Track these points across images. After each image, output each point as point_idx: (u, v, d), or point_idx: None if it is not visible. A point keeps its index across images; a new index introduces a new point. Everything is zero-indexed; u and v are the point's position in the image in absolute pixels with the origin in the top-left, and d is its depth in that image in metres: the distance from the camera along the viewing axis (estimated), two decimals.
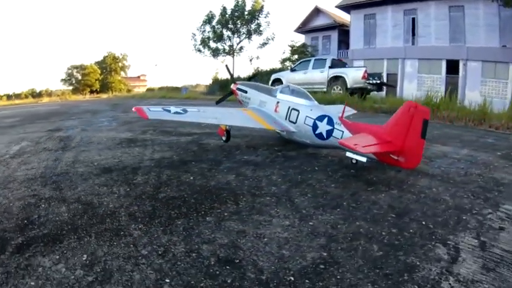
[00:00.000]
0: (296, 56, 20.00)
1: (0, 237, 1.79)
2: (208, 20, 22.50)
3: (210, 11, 22.55)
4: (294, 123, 3.83)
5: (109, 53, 41.16)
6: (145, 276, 1.45)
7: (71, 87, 37.84)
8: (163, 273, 1.47)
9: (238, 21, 21.93)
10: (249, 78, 6.47)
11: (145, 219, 2.03)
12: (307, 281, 1.42)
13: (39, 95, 35.45)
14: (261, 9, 22.12)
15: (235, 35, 22.62)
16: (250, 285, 1.39)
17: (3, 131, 6.08)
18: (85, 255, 1.61)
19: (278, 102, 4.12)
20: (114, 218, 2.05)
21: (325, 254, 1.64)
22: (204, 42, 22.87)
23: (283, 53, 21.58)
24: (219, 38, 22.51)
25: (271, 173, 3.03)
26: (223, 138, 4.30)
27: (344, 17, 21.06)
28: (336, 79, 11.61)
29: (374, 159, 3.01)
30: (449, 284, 1.43)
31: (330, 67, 12.02)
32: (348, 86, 11.13)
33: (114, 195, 2.43)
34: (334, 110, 4.26)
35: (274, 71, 17.20)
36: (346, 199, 2.40)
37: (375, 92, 11.68)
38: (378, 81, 11.27)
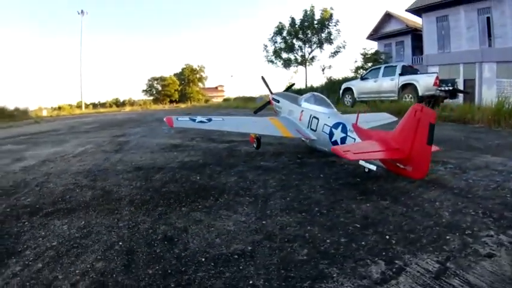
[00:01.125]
0: (369, 64, 19.46)
1: (39, 207, 2.53)
2: (279, 31, 23.39)
3: (280, 22, 23.60)
4: (315, 131, 3.95)
5: (187, 65, 45.24)
6: (108, 239, 1.92)
7: (151, 98, 42.38)
8: (121, 238, 1.92)
9: (308, 30, 22.43)
10: (286, 89, 6.81)
11: (138, 204, 2.53)
12: (212, 264, 1.61)
13: (123, 104, 39.69)
14: (330, 18, 22.26)
15: (307, 45, 23.13)
16: (169, 256, 1.70)
17: (77, 136, 7.72)
18: (83, 222, 2.19)
19: (302, 111, 4.29)
20: (118, 202, 2.62)
21: (249, 248, 1.78)
22: (276, 53, 23.70)
23: (355, 61, 21.30)
24: (290, 48, 23.20)
25: (273, 177, 3.23)
26: (254, 145, 4.65)
27: (417, 20, 19.66)
28: (407, 87, 11.14)
29: (382, 167, 2.95)
30: None
31: (400, 74, 11.60)
32: (419, 93, 10.59)
33: (130, 187, 3.04)
34: (362, 118, 4.28)
35: (346, 79, 17.02)
36: (322, 205, 2.43)
37: (450, 100, 10.66)
38: (451, 88, 10.35)
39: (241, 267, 1.59)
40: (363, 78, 13.15)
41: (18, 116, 19.77)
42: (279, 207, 2.42)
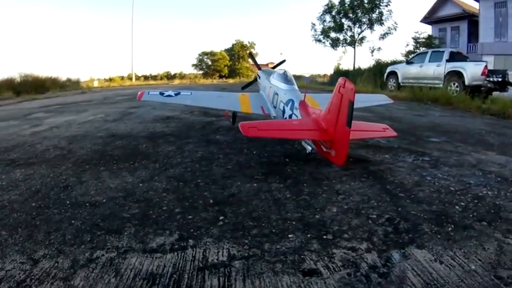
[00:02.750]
0: (422, 49, 18.12)
1: (16, 161, 3.53)
2: (328, 9, 23.00)
3: (330, 0, 22.80)
4: (275, 108, 4.09)
5: (237, 41, 45.97)
6: (34, 183, 2.76)
7: (201, 72, 44.19)
8: (42, 184, 2.75)
9: (358, 10, 21.68)
10: (276, 65, 6.85)
11: (78, 162, 3.35)
12: (69, 206, 2.25)
13: (173, 77, 41.01)
14: None
15: (356, 25, 22.41)
16: (53, 197, 2.44)
17: (100, 106, 8.90)
18: (31, 171, 3.07)
19: (270, 87, 4.49)
20: (68, 159, 3.48)
21: (104, 200, 2.34)
22: (324, 32, 23.47)
23: (407, 45, 20.07)
24: (339, 28, 22.73)
25: (204, 151, 3.76)
26: (230, 120, 5.04)
27: (475, 5, 18.17)
28: (453, 74, 10.66)
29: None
30: None
31: (447, 60, 11.09)
32: (466, 82, 10.13)
33: (88, 149, 3.87)
34: (322, 97, 4.54)
35: (394, 63, 16.41)
36: (207, 179, 2.89)
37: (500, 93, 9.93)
38: (500, 79, 9.71)
39: (86, 212, 2.18)
40: (408, 62, 12.97)
41: (69, 86, 22.57)
42: (169, 175, 2.90)
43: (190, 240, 1.82)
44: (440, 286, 1.42)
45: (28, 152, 3.81)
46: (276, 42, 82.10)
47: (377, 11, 21.28)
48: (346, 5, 21.79)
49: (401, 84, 12.83)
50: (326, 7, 22.86)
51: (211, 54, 44.52)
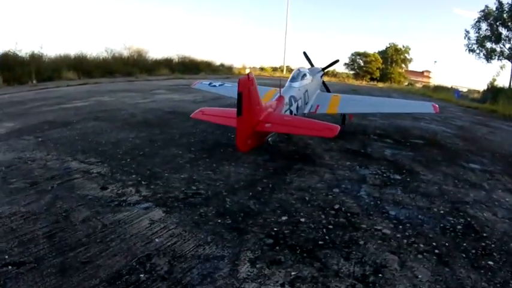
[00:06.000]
0: None
1: (96, 116, 5.70)
2: (484, 16, 20.35)
3: (486, 6, 20.03)
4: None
5: (391, 44, 44.03)
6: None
7: (352, 72, 44.28)
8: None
9: None
10: (328, 65, 7.22)
11: (135, 123, 5.14)
12: (115, 144, 3.88)
13: (325, 74, 44.96)
14: None
15: None
16: (96, 140, 4.13)
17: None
18: (79, 127, 5.06)
19: None
20: (134, 120, 5.33)
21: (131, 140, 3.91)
22: (479, 41, 20.83)
23: None
24: (497, 38, 19.72)
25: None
26: None
27: None
28: None
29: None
30: None
31: None
32: None
33: (150, 117, 5.69)
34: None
35: None
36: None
37: None
38: None
39: (107, 147, 3.75)
40: None
41: (222, 70, 27.25)
42: (163, 136, 4.22)
43: None
44: None
45: (110, 114, 5.92)
46: (432, 49, 71.56)
47: None
48: (505, 12, 18.78)
49: None
50: (482, 13, 20.21)
51: (364, 55, 43.69)
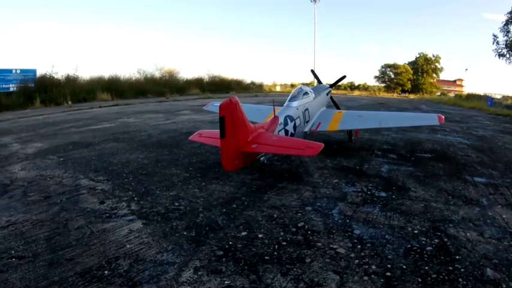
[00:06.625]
0: None
1: (111, 139, 6.48)
2: None
3: None
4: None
5: (421, 54, 43.52)
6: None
7: (383, 85, 44.26)
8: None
9: None
10: (335, 82, 7.44)
11: (149, 145, 5.82)
12: (124, 164, 4.55)
13: (356, 88, 43.91)
14: None
15: None
16: (112, 159, 4.83)
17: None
18: (111, 145, 5.80)
19: None
20: (150, 141, 6.03)
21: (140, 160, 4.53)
22: (509, 45, 20.46)
23: None
24: None
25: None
26: None
27: None
28: None
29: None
30: None
31: None
32: None
33: (165, 137, 6.37)
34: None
35: None
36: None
37: None
38: None
39: (117, 167, 4.44)
40: None
41: (252, 88, 28.03)
42: (173, 156, 4.79)
43: None
44: None
45: (130, 135, 6.71)
46: (464, 56, 67.79)
47: None
48: None
49: None
50: (510, 15, 19.75)
51: (394, 66, 43.77)
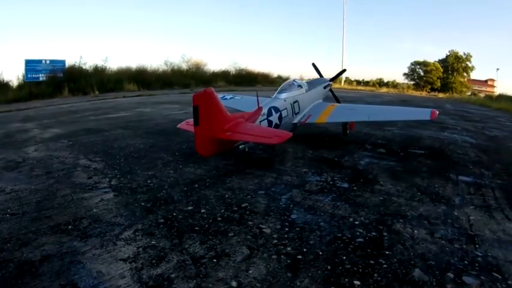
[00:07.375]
0: None
1: (104, 128, 7.33)
2: None
3: None
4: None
5: (451, 51, 42.08)
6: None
7: (412, 82, 42.70)
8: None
9: None
10: (335, 76, 7.53)
11: (152, 132, 6.61)
12: (124, 148, 5.36)
13: (385, 84, 41.84)
14: None
15: None
16: (116, 144, 5.65)
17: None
18: (107, 132, 6.64)
19: None
20: (157, 129, 6.82)
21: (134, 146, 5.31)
22: None
23: None
24: None
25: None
26: None
27: None
28: None
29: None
30: None
31: None
32: None
33: (171, 126, 7.13)
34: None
35: None
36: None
37: None
38: None
39: (119, 149, 5.25)
40: None
41: (278, 82, 28.15)
42: (165, 141, 5.49)
43: None
44: None
45: (139, 124, 7.52)
46: (496, 56, 60.62)
47: None
48: None
49: None
50: None
51: (424, 64, 42.49)
